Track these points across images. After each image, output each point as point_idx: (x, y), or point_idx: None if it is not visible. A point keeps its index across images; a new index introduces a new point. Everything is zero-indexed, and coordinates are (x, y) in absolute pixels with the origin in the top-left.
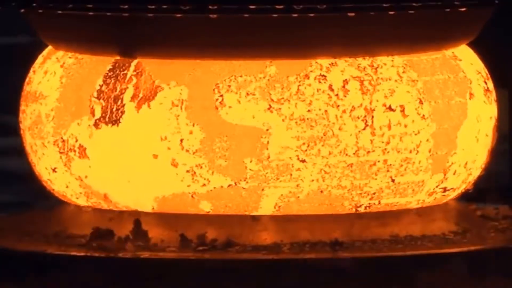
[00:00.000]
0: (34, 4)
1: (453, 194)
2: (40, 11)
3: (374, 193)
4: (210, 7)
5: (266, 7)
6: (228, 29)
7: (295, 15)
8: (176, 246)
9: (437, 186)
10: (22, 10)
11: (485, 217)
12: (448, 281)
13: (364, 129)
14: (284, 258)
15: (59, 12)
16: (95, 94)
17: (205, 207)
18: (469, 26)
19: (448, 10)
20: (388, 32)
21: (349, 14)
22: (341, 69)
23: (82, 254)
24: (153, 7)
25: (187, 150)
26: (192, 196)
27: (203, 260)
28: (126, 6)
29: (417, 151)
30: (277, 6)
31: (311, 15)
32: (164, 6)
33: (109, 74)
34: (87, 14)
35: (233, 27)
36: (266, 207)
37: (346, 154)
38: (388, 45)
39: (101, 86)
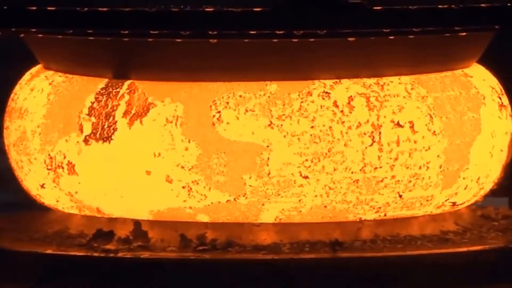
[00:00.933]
0: (34, 30)
1: (461, 206)
2: (40, 36)
3: (380, 207)
4: (210, 32)
5: (266, 32)
6: (228, 53)
7: (296, 40)
8: (176, 246)
9: (446, 200)
10: (22, 35)
11: (485, 217)
12: (448, 281)
13: (371, 145)
14: (284, 258)
15: (59, 37)
16: (86, 111)
17: (203, 219)
18: (473, 48)
19: (448, 35)
20: (390, 55)
21: (349, 39)
22: (346, 86)
23: (82, 254)
24: (154, 32)
25: (182, 167)
26: (189, 208)
27: (203, 260)
28: (127, 32)
29: (427, 167)
30: (277, 31)
31: (311, 40)
32: (165, 31)
33: (101, 91)
34: (87, 39)
35: (233, 52)
36: (266, 219)
37: (352, 172)
38: (392, 67)
39: (92, 103)
